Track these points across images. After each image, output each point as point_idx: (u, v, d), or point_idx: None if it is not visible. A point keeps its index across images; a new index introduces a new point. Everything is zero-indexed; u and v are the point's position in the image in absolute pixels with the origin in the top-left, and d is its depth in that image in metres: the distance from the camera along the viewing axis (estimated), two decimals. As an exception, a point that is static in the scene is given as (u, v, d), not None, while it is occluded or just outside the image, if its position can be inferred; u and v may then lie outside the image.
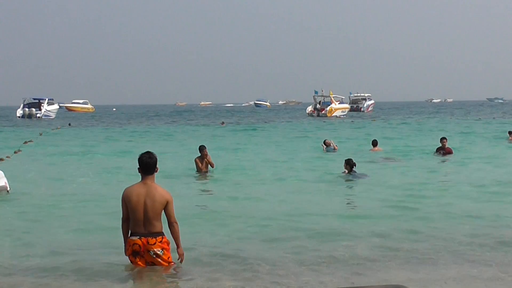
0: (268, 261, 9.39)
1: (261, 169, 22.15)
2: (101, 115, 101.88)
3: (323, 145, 28.45)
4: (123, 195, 8.30)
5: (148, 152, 8.35)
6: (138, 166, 8.30)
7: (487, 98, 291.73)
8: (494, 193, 16.26)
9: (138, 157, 8.32)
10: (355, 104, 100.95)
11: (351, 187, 17.84)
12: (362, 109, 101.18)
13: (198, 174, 20.09)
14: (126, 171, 20.75)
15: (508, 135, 34.61)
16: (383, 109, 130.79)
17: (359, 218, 13.01)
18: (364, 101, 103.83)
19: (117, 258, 9.24)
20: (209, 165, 20.27)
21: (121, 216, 8.39)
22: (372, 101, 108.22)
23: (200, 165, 20.17)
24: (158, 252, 8.31)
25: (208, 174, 20.20)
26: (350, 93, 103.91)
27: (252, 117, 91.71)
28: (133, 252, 8.33)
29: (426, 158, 25.40)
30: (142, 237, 8.23)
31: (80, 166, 23.71)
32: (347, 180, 18.41)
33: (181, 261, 8.64)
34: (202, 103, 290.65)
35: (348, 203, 15.44)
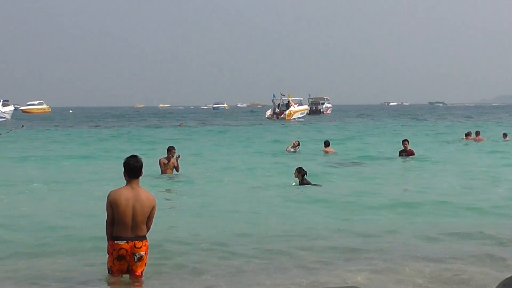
0: (228, 267, 9.36)
1: (218, 173, 21.62)
2: (57, 117, 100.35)
3: (291, 146, 28.34)
4: (109, 198, 8.18)
5: (134, 156, 8.31)
6: (124, 170, 8.24)
7: (428, 102, 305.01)
8: (455, 194, 16.28)
9: (124, 161, 8.22)
10: (314, 106, 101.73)
11: (301, 196, 17.30)
12: (321, 111, 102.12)
13: (161, 176, 19.08)
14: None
15: (464, 136, 36.33)
16: (342, 112, 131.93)
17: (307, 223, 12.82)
18: (323, 104, 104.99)
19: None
20: (174, 169, 19.30)
21: (106, 219, 8.22)
22: (330, 104, 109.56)
23: (163, 166, 19.20)
24: (142, 255, 8.29)
25: (173, 176, 19.18)
26: (309, 96, 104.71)
27: (210, 119, 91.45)
28: (119, 257, 8.23)
29: (387, 161, 25.13)
30: (130, 241, 8.19)
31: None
32: (297, 190, 17.89)
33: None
34: (161, 105, 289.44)
35: (295, 211, 14.93)
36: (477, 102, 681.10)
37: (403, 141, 26.10)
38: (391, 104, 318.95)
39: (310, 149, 30.29)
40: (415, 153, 25.41)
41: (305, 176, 18.11)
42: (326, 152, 27.85)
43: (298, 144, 28.75)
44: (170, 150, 19.29)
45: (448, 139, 39.07)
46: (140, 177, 8.31)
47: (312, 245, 10.59)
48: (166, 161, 19.23)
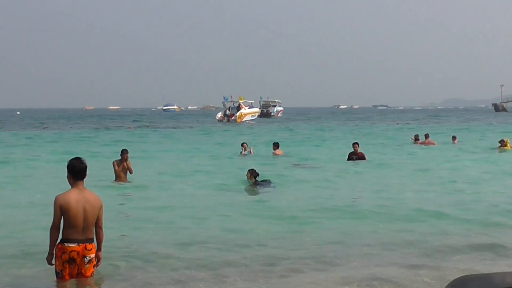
0: (177, 267, 9.43)
1: (166, 177, 21.28)
2: (2, 118, 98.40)
3: (242, 148, 28.25)
4: (58, 202, 8.12)
5: (78, 158, 8.34)
6: (68, 173, 8.25)
7: (372, 105, 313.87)
8: (402, 199, 16.27)
9: (68, 163, 8.23)
10: (265, 109, 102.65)
11: (254, 196, 17.37)
12: (272, 114, 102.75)
13: (110, 179, 18.77)
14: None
15: (412, 139, 36.83)
16: (293, 115, 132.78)
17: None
18: (274, 107, 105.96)
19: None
20: (128, 171, 18.90)
21: (52, 223, 8.14)
22: (281, 107, 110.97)
23: (116, 168, 18.81)
24: (92, 257, 8.31)
25: (124, 179, 18.81)
26: (261, 98, 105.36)
27: (160, 121, 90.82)
28: (70, 260, 8.19)
29: (336, 164, 25.04)
30: (81, 243, 8.20)
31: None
32: (250, 190, 17.95)
33: (98, 266, 8.62)
34: (111, 107, 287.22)
35: (246, 213, 14.88)
36: (426, 105, 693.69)
37: (353, 143, 26.03)
38: (341, 107, 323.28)
39: (260, 151, 30.11)
40: (366, 157, 25.33)
41: (257, 178, 18.03)
42: (276, 154, 27.81)
43: (246, 146, 28.51)
44: (123, 152, 18.95)
45: (398, 143, 39.32)
46: (84, 179, 8.32)
47: (256, 254, 10.32)
48: (119, 163, 18.89)
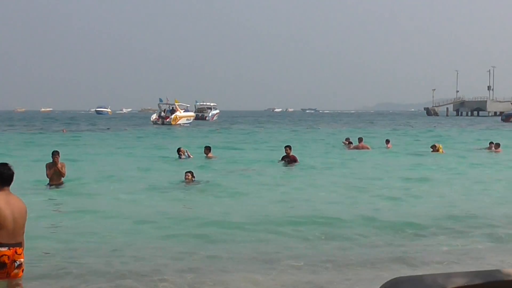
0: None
1: (99, 180, 20.94)
2: None
3: (179, 153, 28.07)
4: None
5: (5, 164, 8.28)
6: None
7: (301, 109, 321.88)
8: (344, 196, 16.67)
9: None
10: (200, 113, 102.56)
11: (190, 194, 17.56)
12: (207, 118, 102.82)
13: (39, 183, 18.40)
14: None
15: (344, 142, 37.71)
16: (228, 118, 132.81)
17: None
18: (209, 110, 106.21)
19: None
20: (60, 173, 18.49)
21: None
22: (217, 111, 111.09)
23: (48, 170, 18.37)
24: (22, 262, 8.27)
25: (54, 182, 18.41)
26: (196, 102, 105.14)
27: (94, 124, 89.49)
28: (0, 264, 8.11)
29: (268, 167, 25.01)
30: (11, 247, 8.12)
31: None
32: (186, 189, 18.28)
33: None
34: (43, 109, 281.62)
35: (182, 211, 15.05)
36: (359, 109, 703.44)
37: (285, 146, 26.08)
38: (276, 110, 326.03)
39: (193, 154, 29.88)
40: (298, 160, 25.25)
41: (194, 179, 18.77)
42: (209, 157, 27.74)
43: (183, 150, 28.32)
44: (54, 154, 18.50)
45: (331, 146, 39.56)
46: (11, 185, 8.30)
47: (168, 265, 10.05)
48: (51, 166, 18.49)
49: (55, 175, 18.44)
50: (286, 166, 24.74)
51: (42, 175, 18.81)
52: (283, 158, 25.35)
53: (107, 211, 14.90)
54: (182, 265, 9.86)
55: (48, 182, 18.54)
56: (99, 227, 12.97)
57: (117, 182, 20.55)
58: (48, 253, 10.63)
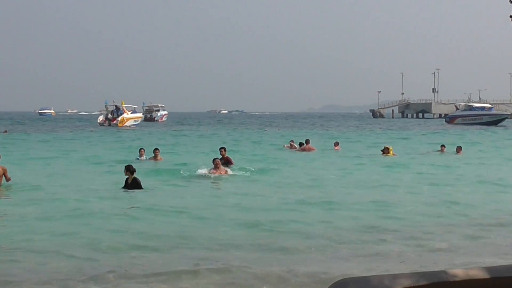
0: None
1: (43, 183, 20.43)
2: None
3: (139, 153, 27.74)
4: None
5: None
6: None
7: (228, 111, 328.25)
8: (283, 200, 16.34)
9: None
10: (148, 114, 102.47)
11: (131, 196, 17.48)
12: (156, 119, 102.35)
13: None
14: None
15: (287, 146, 37.65)
16: (177, 119, 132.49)
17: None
18: (157, 111, 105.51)
19: None
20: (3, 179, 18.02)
21: None
22: (165, 112, 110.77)
23: None
24: None
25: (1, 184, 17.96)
26: (144, 104, 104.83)
27: (36, 125, 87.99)
28: None
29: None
30: None
31: None
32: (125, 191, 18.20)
33: None
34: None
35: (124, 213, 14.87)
36: (304, 110, 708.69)
37: (220, 148, 26.06)
38: (222, 112, 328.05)
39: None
40: (233, 162, 24.98)
41: (134, 173, 18.44)
42: (157, 159, 27.55)
43: (143, 151, 28.00)
44: None
45: (272, 148, 39.55)
46: None
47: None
48: None
49: None
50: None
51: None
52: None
53: (54, 216, 14.47)
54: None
55: None
56: (46, 231, 12.67)
57: (56, 185, 20.07)
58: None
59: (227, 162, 24.65)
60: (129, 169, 18.45)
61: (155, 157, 27.69)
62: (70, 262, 10.08)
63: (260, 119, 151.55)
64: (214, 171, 21.88)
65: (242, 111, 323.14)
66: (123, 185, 18.47)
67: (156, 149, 28.48)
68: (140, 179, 18.54)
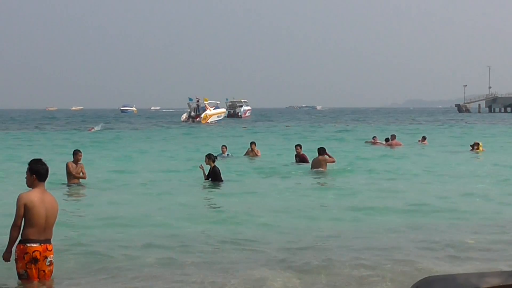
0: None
1: (128, 179, 20.80)
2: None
3: (222, 150, 27.93)
4: (23, 200, 8.12)
5: (39, 160, 8.41)
6: (31, 174, 8.28)
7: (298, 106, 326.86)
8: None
9: (32, 165, 8.26)
10: (232, 109, 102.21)
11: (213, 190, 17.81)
12: (239, 114, 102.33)
13: (64, 182, 18.40)
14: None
15: (371, 142, 36.76)
16: (260, 115, 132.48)
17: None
18: (240, 107, 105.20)
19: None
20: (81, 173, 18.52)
21: (14, 221, 8.12)
22: (249, 107, 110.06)
23: (71, 169, 18.15)
24: (52, 259, 8.35)
25: (79, 182, 18.43)
26: (227, 99, 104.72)
27: (117, 122, 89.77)
28: (32, 260, 8.18)
29: (282, 167, 24.59)
30: (42, 244, 8.22)
31: None
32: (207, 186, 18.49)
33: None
34: (73, 108, 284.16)
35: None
36: (386, 105, 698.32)
37: (296, 146, 25.80)
38: (303, 107, 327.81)
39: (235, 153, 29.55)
40: (308, 159, 24.39)
41: (215, 161, 18.88)
42: (254, 154, 27.71)
43: (225, 148, 27.92)
44: (76, 153, 18.45)
45: (359, 144, 38.84)
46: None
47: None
48: (73, 165, 18.38)
49: (75, 175, 18.27)
50: (296, 165, 24.54)
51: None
52: (295, 157, 25.19)
53: (123, 210, 14.83)
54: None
55: (67, 180, 18.43)
56: (133, 221, 13.12)
57: (142, 181, 20.41)
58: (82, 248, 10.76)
59: (302, 159, 24.78)
60: (211, 157, 18.76)
61: (251, 151, 27.75)
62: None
63: (349, 115, 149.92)
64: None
65: (313, 107, 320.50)
66: (206, 174, 18.76)
67: (252, 142, 28.52)
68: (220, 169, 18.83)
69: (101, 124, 71.57)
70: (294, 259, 9.94)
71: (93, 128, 63.79)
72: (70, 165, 18.35)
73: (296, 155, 25.13)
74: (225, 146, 28.44)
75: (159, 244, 11.15)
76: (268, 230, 12.41)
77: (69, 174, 18.34)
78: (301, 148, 25.45)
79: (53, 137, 48.77)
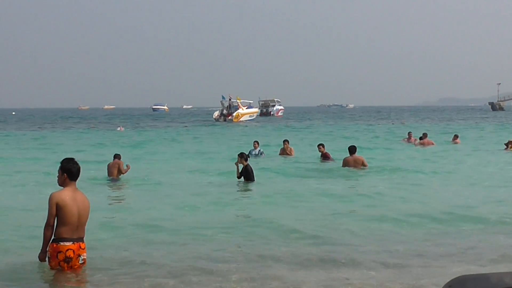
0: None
1: (162, 178, 20.92)
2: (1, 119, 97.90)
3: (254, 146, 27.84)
4: (55, 199, 8.20)
5: (72, 159, 8.49)
6: (63, 173, 8.36)
7: (331, 104, 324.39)
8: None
9: (64, 164, 8.36)
10: (264, 108, 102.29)
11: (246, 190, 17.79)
12: (272, 113, 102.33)
13: (105, 180, 19.13)
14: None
15: (404, 141, 36.50)
16: (293, 114, 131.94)
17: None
18: (273, 106, 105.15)
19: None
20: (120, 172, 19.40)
21: (47, 221, 8.22)
22: (281, 106, 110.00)
23: (111, 168, 19.36)
24: (85, 257, 8.47)
25: (118, 180, 19.14)
26: (259, 98, 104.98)
27: (147, 121, 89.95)
28: (66, 259, 8.28)
29: (308, 164, 24.63)
30: (75, 242, 8.31)
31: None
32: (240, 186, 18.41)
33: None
34: (106, 106, 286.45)
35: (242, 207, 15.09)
36: (419, 103, 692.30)
37: (318, 145, 26.10)
38: (334, 105, 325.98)
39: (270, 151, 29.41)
40: (332, 158, 24.74)
41: (248, 160, 18.88)
42: (288, 152, 27.57)
43: (257, 144, 27.60)
44: (116, 157, 19.49)
45: (389, 142, 38.70)
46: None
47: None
48: (112, 165, 19.30)
49: (114, 173, 19.17)
50: (322, 162, 24.67)
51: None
52: (321, 156, 25.39)
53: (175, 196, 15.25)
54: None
55: (107, 176, 19.32)
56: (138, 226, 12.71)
57: (174, 178, 20.66)
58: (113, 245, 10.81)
59: (325, 157, 25.02)
60: (243, 156, 18.75)
61: (284, 150, 27.67)
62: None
63: (379, 112, 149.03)
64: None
65: (340, 105, 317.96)
66: (239, 172, 18.70)
67: (285, 140, 28.46)
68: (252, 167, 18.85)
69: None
70: (325, 258, 9.89)
71: (122, 127, 63.94)
72: (110, 165, 19.38)
73: (321, 155, 25.40)
74: (257, 141, 28.16)
75: (191, 247, 10.81)
76: (295, 233, 12.02)
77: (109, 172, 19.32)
78: (323, 147, 25.70)
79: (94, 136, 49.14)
